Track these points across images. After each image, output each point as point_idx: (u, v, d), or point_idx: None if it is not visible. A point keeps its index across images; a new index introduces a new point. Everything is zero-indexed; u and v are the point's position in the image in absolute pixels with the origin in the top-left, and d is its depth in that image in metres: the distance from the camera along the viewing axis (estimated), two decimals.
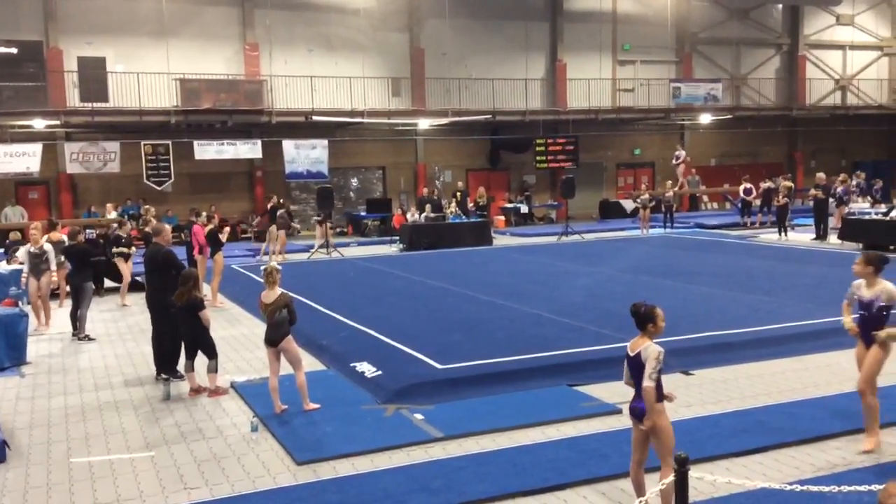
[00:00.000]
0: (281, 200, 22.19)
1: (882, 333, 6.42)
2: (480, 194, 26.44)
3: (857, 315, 6.74)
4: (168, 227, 10.18)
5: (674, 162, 29.38)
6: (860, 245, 18.98)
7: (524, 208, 29.70)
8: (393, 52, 28.08)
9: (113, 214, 23.05)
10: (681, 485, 4.49)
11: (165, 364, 9.18)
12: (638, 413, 5.29)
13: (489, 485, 5.98)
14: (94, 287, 12.78)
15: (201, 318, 8.58)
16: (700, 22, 32.67)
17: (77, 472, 6.65)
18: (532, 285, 14.82)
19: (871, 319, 6.54)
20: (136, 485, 6.33)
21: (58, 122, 23.55)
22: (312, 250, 21.11)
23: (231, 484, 6.28)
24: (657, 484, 4.92)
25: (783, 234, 21.94)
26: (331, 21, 27.31)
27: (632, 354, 5.29)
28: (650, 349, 5.15)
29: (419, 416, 7.57)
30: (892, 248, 18.40)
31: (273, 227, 20.31)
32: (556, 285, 14.77)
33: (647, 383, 5.11)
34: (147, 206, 19.82)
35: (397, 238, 23.51)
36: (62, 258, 14.04)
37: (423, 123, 27.55)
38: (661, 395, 5.21)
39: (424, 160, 29.14)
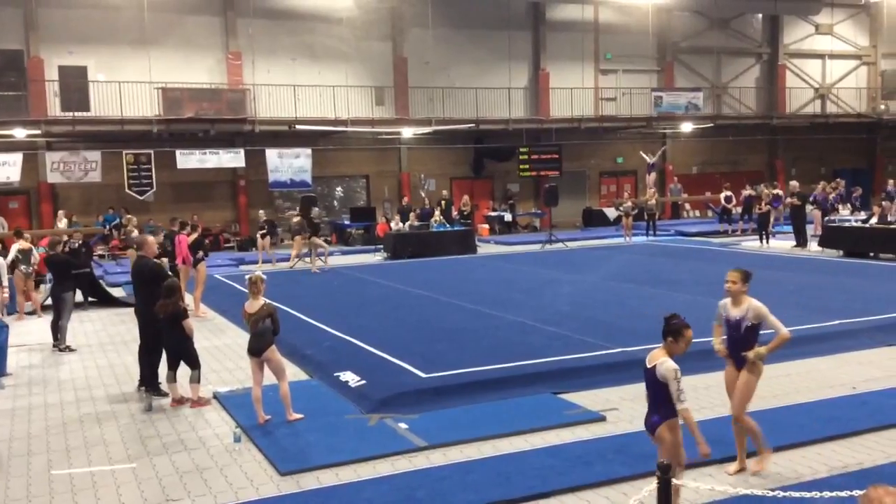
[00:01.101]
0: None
1: (751, 354, 6.07)
2: (465, 202, 26.48)
3: (724, 336, 6.32)
4: (152, 239, 10.08)
5: (649, 162, 29.45)
6: (840, 252, 19.17)
7: (508, 216, 29.76)
8: (376, 61, 28.12)
9: (63, 223, 22.91)
10: (664, 492, 4.51)
11: (149, 378, 9.10)
12: (651, 427, 5.25)
13: (473, 494, 5.97)
14: (74, 298, 12.70)
15: (184, 327, 8.54)
16: (681, 31, 32.95)
17: (58, 484, 6.58)
18: (516, 293, 14.85)
19: (741, 340, 6.11)
20: (118, 497, 6.27)
21: (38, 132, 23.41)
22: (293, 261, 20.68)
23: (213, 495, 6.23)
24: (638, 494, 4.92)
25: (764, 241, 22.12)
26: (314, 30, 27.33)
27: (648, 366, 5.22)
28: (665, 365, 5.08)
29: (403, 426, 7.55)
30: (871, 254, 18.61)
31: (314, 238, 20.08)
32: (540, 293, 14.81)
33: (681, 406, 5.06)
34: (129, 216, 19.71)
35: (381, 247, 23.49)
36: (29, 268, 14.08)
37: (407, 132, 27.57)
38: (673, 411, 5.14)
39: (408, 169, 29.17)
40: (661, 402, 5.16)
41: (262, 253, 21.13)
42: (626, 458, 6.44)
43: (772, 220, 22.63)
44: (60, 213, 23.49)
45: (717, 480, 6.00)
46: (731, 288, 6.14)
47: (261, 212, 22.72)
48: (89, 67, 24.60)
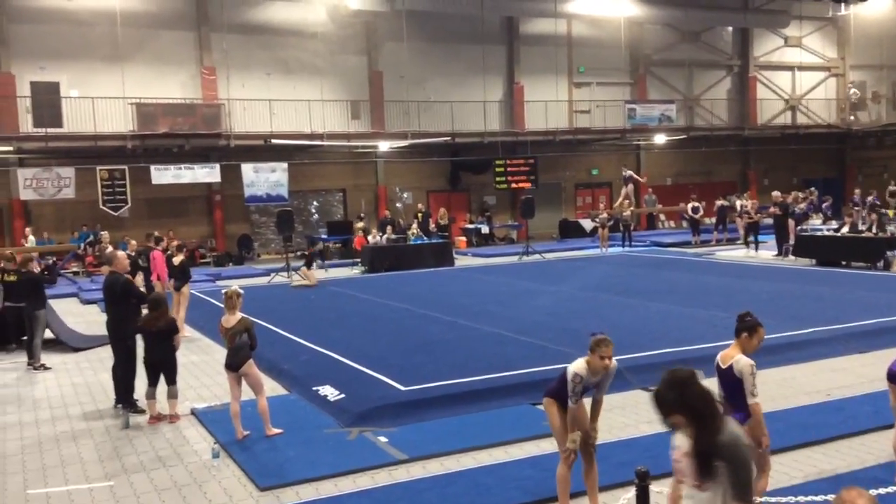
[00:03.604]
0: None
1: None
2: (441, 215, 26.53)
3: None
4: (123, 254, 9.94)
5: (624, 176, 29.57)
6: (813, 261, 19.41)
7: (485, 229, 29.86)
8: (351, 75, 28.17)
9: (31, 240, 22.65)
10: (642, 499, 4.55)
11: (125, 395, 9.02)
12: None
13: None
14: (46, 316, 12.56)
15: (175, 341, 8.52)
16: (653, 44, 33.34)
17: (34, 503, 6.52)
18: (494, 305, 14.88)
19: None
20: None
21: (10, 148, 23.16)
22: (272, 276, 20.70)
23: None
24: (617, 500, 4.96)
25: (752, 248, 22.45)
26: (288, 45, 27.33)
27: (723, 366, 5.18)
28: (741, 362, 5.07)
29: (383, 439, 7.55)
30: (843, 263, 18.86)
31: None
32: (517, 305, 14.86)
33: (752, 400, 5.01)
34: (103, 232, 19.52)
35: (358, 260, 23.46)
36: None
37: (383, 146, 27.61)
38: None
39: (385, 182, 29.19)
40: (743, 398, 5.08)
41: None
42: (605, 468, 6.44)
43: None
44: (28, 230, 23.22)
45: None
46: (610, 364, 5.49)
47: (150, 233, 21.40)
48: (62, 83, 24.41)
